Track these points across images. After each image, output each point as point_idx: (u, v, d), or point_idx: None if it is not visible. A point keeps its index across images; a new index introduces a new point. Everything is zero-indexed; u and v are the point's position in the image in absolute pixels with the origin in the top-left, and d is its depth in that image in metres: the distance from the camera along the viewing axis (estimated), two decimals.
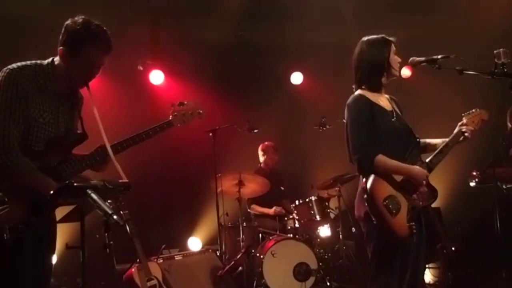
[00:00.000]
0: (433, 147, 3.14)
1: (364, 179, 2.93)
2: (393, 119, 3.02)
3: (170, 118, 2.99)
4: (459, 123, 3.13)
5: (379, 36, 3.09)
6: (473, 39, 5.45)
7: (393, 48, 3.07)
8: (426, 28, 5.95)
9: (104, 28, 2.57)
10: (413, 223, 2.83)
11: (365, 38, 3.11)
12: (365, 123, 2.96)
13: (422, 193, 2.94)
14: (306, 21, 6.43)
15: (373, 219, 2.87)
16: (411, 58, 3.07)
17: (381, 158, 2.89)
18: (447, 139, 3.09)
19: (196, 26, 6.24)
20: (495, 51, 2.72)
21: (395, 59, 3.06)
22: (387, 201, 2.84)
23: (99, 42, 2.54)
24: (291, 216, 5.77)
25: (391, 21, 5.93)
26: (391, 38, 3.09)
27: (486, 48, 3.09)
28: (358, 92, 3.07)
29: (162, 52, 6.74)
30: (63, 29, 2.56)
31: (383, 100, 3.07)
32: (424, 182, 2.92)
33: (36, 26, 5.45)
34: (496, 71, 2.71)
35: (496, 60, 2.71)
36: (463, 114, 3.16)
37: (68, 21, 2.55)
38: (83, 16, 2.56)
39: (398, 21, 5.89)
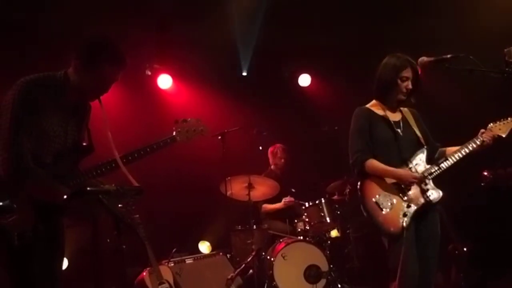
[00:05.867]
0: (452, 154, 3.23)
1: (359, 181, 3.22)
2: (397, 129, 3.22)
3: (173, 134, 3.00)
4: (481, 130, 3.23)
5: (400, 58, 3.21)
6: (482, 38, 5.41)
7: (403, 74, 3.16)
8: (434, 28, 5.91)
9: (120, 45, 2.61)
10: (405, 219, 3.00)
11: (388, 57, 3.27)
12: (361, 131, 3.23)
13: (420, 193, 3.07)
14: (313, 23, 6.42)
15: (365, 214, 3.16)
16: (420, 58, 3.11)
17: (370, 162, 3.16)
18: (465, 144, 3.21)
19: (203, 30, 6.25)
20: (505, 50, 2.71)
21: (401, 85, 3.17)
22: (377, 198, 3.10)
23: (114, 58, 2.58)
24: (301, 218, 5.76)
25: (400, 22, 5.92)
26: (406, 62, 3.17)
27: (495, 47, 3.07)
28: (368, 104, 3.34)
29: (170, 56, 6.76)
30: (80, 42, 2.60)
31: (392, 112, 3.28)
32: (414, 181, 3.07)
33: (44, 34, 5.48)
34: (507, 69, 2.71)
35: (506, 58, 2.71)
36: (491, 124, 3.22)
37: (86, 36, 2.60)
38: (101, 32, 2.59)
39: (406, 22, 5.87)
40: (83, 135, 2.75)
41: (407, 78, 3.18)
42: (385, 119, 3.24)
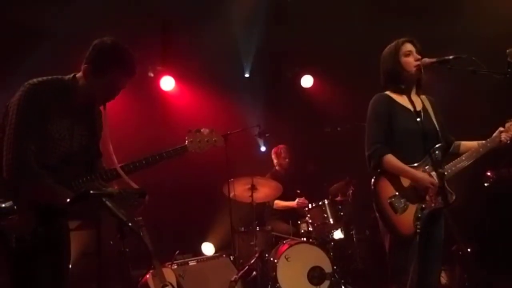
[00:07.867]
0: (467, 149, 3.13)
1: (373, 177, 3.03)
2: (418, 119, 3.05)
3: (185, 144, 2.94)
4: (500, 128, 3.13)
5: (393, 42, 3.15)
6: (484, 39, 5.40)
7: (403, 50, 3.08)
8: (437, 30, 5.91)
9: (131, 51, 2.60)
10: (418, 223, 2.88)
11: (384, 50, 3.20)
12: (380, 121, 3.05)
13: (436, 196, 2.95)
14: (316, 24, 6.42)
15: (377, 215, 3.00)
16: (422, 60, 3.07)
17: (390, 158, 2.98)
18: (483, 142, 3.11)
19: (206, 32, 6.27)
20: (507, 50, 2.71)
21: (406, 61, 3.07)
22: (392, 200, 2.95)
23: (124, 65, 2.57)
24: (304, 220, 5.75)
25: (402, 23, 5.91)
26: (402, 40, 3.12)
27: (498, 49, 3.07)
28: (387, 91, 3.16)
29: (172, 58, 6.78)
30: (90, 47, 2.59)
31: (411, 101, 3.10)
32: (431, 187, 2.92)
33: (48, 37, 5.49)
34: (509, 70, 2.70)
35: (509, 59, 2.70)
36: (508, 120, 3.13)
37: (97, 40, 2.59)
38: (111, 37, 2.59)
39: (409, 23, 5.86)
40: (93, 139, 2.73)
41: (410, 52, 3.06)
42: (406, 107, 3.06)
